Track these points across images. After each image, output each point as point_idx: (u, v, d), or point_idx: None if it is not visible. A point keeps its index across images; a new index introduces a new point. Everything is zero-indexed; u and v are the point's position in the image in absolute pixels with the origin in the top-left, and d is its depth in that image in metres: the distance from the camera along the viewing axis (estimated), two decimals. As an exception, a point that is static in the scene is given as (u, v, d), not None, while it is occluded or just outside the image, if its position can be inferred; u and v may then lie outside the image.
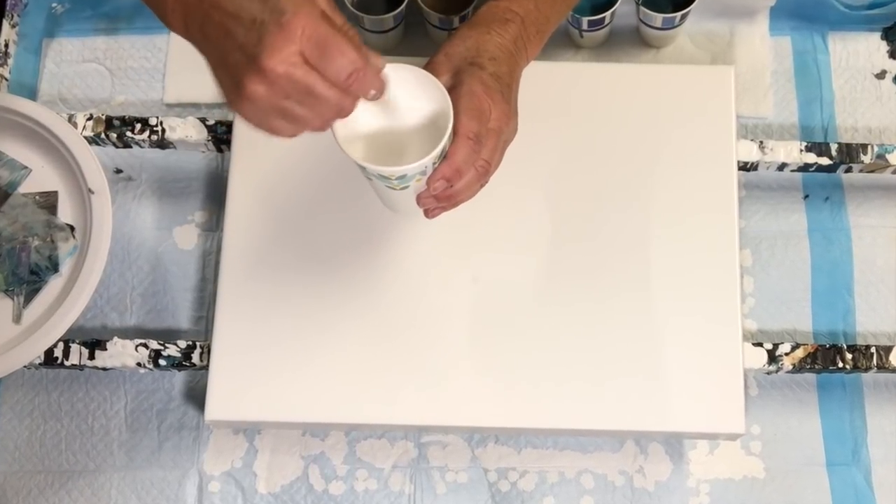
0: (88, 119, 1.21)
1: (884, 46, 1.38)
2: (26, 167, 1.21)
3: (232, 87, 0.81)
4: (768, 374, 1.20)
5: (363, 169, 0.92)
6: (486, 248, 1.12)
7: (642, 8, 1.28)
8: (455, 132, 0.91)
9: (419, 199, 0.95)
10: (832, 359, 1.16)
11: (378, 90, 0.83)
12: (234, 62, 0.80)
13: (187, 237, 1.30)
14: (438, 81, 0.92)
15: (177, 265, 1.29)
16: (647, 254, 1.12)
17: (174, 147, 1.24)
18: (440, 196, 0.94)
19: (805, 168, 1.23)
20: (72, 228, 1.19)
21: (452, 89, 0.93)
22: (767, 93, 1.35)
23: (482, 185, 0.96)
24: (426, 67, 0.96)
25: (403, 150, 0.95)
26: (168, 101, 1.35)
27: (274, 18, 0.77)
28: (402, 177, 0.91)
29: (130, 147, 1.25)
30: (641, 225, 1.13)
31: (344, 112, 0.83)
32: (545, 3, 1.03)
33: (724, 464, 1.23)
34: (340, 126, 0.89)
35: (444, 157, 0.92)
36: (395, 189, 0.95)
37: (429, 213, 0.98)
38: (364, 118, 0.93)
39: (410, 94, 0.92)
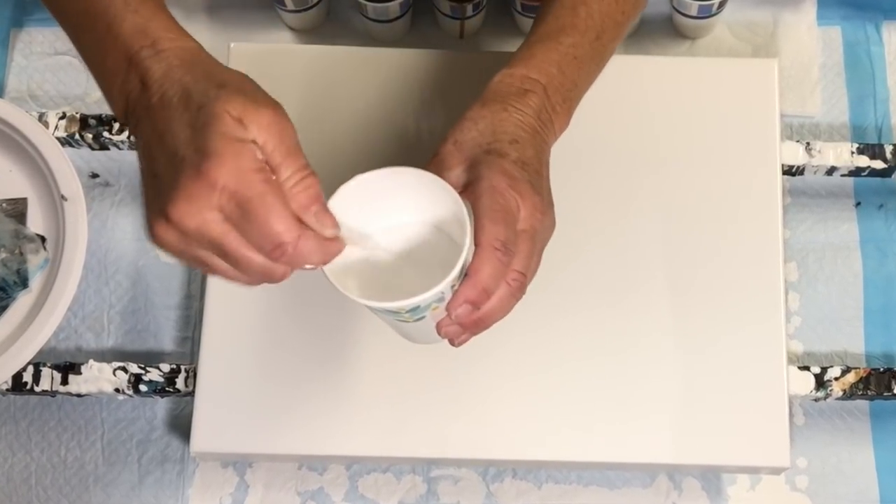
0: (61, 118, 1.22)
1: (944, 37, 1.39)
2: (-8, 171, 1.22)
3: (145, 214, 0.76)
4: (816, 401, 1.20)
5: (367, 307, 0.82)
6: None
7: (676, -6, 1.29)
8: (477, 242, 0.81)
9: (440, 329, 0.85)
10: (887, 384, 1.16)
11: (321, 262, 0.77)
12: (150, 191, 0.76)
13: (171, 249, 1.30)
14: (446, 183, 0.82)
15: (159, 280, 1.29)
16: (680, 268, 1.13)
17: (156, 149, 1.25)
18: (466, 323, 0.84)
19: (857, 172, 1.23)
20: (42, 239, 1.19)
21: (469, 186, 0.85)
22: (815, 89, 1.35)
23: (518, 300, 0.85)
24: (433, 160, 0.88)
25: (413, 272, 0.85)
26: (149, 97, 1.36)
27: (194, 160, 0.72)
28: (415, 309, 0.81)
29: (108, 149, 1.26)
30: (674, 236, 1.13)
31: (274, 279, 0.77)
32: (570, 65, 0.95)
33: (766, 500, 1.23)
34: None
35: (465, 274, 0.81)
36: (407, 322, 0.85)
37: (454, 342, 0.87)
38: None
39: (414, 202, 0.84)
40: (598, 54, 0.98)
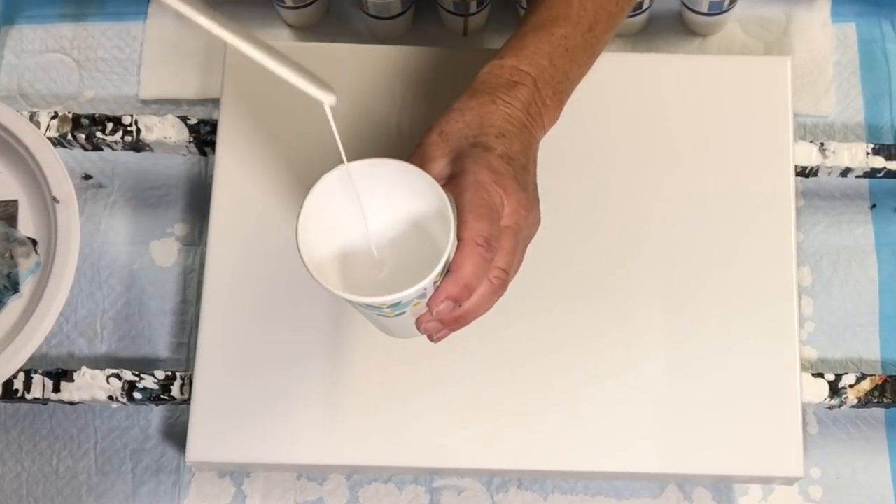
0: (53, 118, 1.22)
1: (961, 34, 1.38)
2: (-18, 173, 1.22)
3: None
4: (830, 409, 1.20)
5: (347, 301, 0.83)
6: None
7: (686, -10, 1.29)
8: (460, 237, 0.82)
9: (419, 324, 0.87)
10: (904, 392, 1.16)
11: None
12: None
13: (166, 252, 1.30)
14: (429, 177, 0.83)
15: (154, 284, 1.29)
16: (690, 271, 1.12)
17: (151, 149, 1.24)
18: (446, 319, 0.86)
19: (872, 174, 1.23)
20: (34, 243, 1.19)
21: (453, 179, 0.86)
22: (829, 87, 1.35)
23: (499, 297, 0.88)
24: (417, 150, 0.90)
25: (394, 266, 0.88)
26: (144, 96, 1.36)
27: None
28: (396, 304, 0.82)
29: (101, 150, 1.25)
30: (684, 238, 1.13)
31: None
32: (562, 57, 0.95)
33: (779, 512, 1.23)
34: (308, 249, 0.82)
35: (447, 270, 0.83)
36: (388, 317, 0.86)
37: (433, 338, 0.89)
38: (337, 230, 0.87)
39: (394, 195, 0.85)
40: (590, 46, 0.98)
